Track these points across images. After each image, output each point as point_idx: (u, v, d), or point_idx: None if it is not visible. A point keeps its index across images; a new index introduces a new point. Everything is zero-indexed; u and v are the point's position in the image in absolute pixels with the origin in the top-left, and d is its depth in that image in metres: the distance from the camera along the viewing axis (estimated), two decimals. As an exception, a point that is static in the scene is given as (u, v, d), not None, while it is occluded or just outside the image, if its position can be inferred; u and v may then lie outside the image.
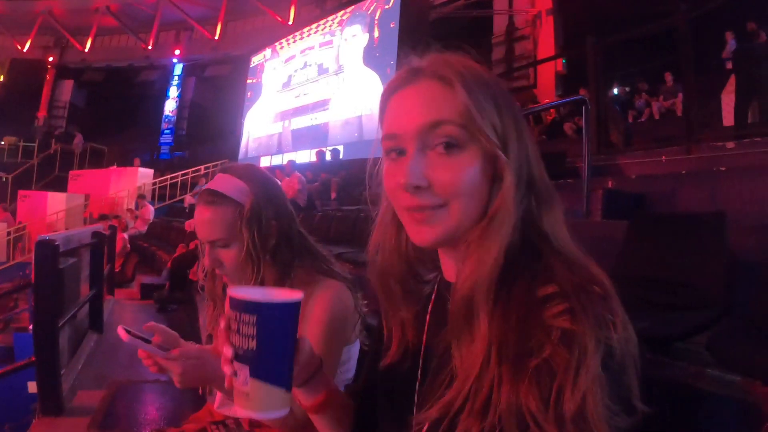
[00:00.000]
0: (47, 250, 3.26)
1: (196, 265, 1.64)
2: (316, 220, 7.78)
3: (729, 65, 8.68)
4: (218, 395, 1.67)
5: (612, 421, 0.66)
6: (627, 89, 11.43)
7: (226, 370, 0.80)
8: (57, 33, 24.96)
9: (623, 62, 10.76)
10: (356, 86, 13.43)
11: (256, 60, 19.25)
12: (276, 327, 0.79)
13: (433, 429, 0.78)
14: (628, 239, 2.72)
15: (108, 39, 25.45)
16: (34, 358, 3.26)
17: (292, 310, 0.81)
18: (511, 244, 0.77)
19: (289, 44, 17.36)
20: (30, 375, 3.55)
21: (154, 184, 17.71)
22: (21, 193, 17.73)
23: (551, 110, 10.18)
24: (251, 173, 1.56)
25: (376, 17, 13.17)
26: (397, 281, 0.93)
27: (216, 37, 22.84)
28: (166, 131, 25.37)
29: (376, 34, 13.08)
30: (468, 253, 0.79)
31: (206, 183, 1.76)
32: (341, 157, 11.63)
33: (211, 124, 23.20)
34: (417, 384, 0.88)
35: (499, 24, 13.09)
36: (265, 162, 16.14)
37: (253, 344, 0.77)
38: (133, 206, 15.26)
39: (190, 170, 16.94)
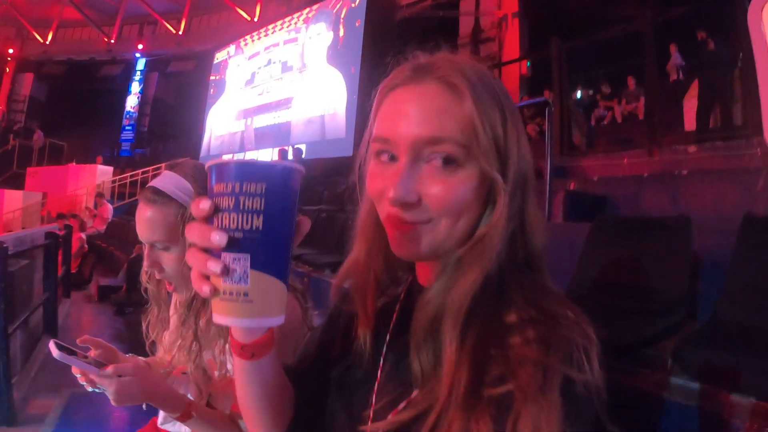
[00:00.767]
0: (-6, 253, 3.15)
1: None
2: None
3: (675, 76, 8.88)
4: (160, 412, 1.54)
5: None
6: (590, 92, 11.53)
7: (214, 266, 0.61)
8: (18, 24, 24.31)
9: (587, 65, 10.86)
10: (319, 85, 13.34)
11: (219, 56, 19.05)
12: (287, 198, 0.63)
13: None
14: (589, 242, 2.68)
15: (70, 32, 24.93)
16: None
17: (299, 179, 0.65)
18: (491, 268, 0.73)
19: (253, 41, 17.20)
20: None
21: (114, 181, 17.31)
22: (-24, 190, 17.10)
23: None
24: (198, 173, 1.46)
25: (342, 15, 13.11)
26: (374, 282, 0.87)
27: (180, 32, 22.55)
28: (127, 127, 24.86)
29: (342, 32, 13.00)
30: (447, 271, 0.75)
31: None
32: (303, 156, 11.50)
33: (173, 121, 22.89)
34: (376, 384, 0.81)
35: (465, 26, 13.10)
36: (226, 160, 15.86)
37: (259, 222, 0.60)
38: (91, 205, 14.87)
39: (150, 168, 16.53)
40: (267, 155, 14.28)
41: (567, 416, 0.62)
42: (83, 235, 10.09)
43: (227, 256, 0.61)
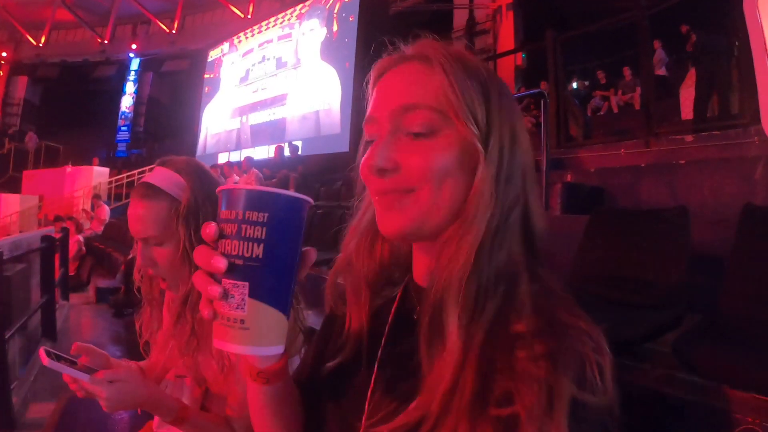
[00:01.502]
0: (-10, 258, 3.14)
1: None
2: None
3: (660, 72, 8.88)
4: (155, 417, 1.52)
5: None
6: (586, 83, 11.52)
7: (213, 291, 0.62)
8: (11, 27, 24.23)
9: (583, 57, 10.84)
10: (313, 81, 13.36)
11: (213, 54, 19.06)
12: (291, 228, 0.63)
13: None
14: (587, 235, 2.66)
15: (63, 33, 24.88)
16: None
17: (305, 210, 0.65)
18: (489, 252, 0.71)
19: (247, 38, 17.21)
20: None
21: (110, 183, 17.26)
22: (-27, 195, 17.05)
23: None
24: (190, 167, 1.46)
25: (335, 11, 13.10)
26: (367, 284, 0.86)
27: (174, 31, 22.50)
28: (123, 128, 24.81)
29: (335, 27, 13.00)
30: (441, 253, 0.73)
31: None
32: (300, 152, 11.48)
33: (168, 121, 22.88)
34: (369, 391, 0.79)
35: (460, 18, 13.08)
36: (223, 158, 15.90)
37: (259, 251, 0.60)
38: (88, 207, 14.83)
39: (147, 168, 16.47)
40: (263, 152, 14.26)
41: None
42: (80, 238, 10.06)
43: (227, 282, 0.61)
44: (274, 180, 10.05)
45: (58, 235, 6.71)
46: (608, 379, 0.62)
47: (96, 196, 14.73)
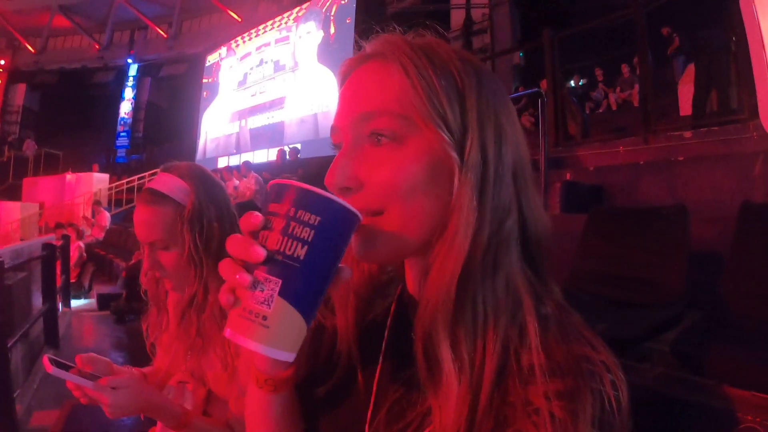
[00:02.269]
0: (-9, 267, 3.14)
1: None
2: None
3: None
4: (159, 423, 1.53)
5: None
6: (584, 81, 11.52)
7: (243, 279, 0.56)
8: (9, 35, 24.28)
9: (580, 54, 10.82)
10: (311, 84, 13.36)
11: (211, 59, 19.06)
12: (338, 240, 0.59)
13: None
14: (586, 234, 2.65)
15: (61, 40, 24.94)
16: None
17: (355, 226, 0.61)
18: (482, 274, 0.63)
19: (244, 41, 17.20)
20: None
21: (110, 189, 17.22)
22: (-26, 203, 17.04)
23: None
24: (193, 172, 1.48)
25: (332, 13, 13.11)
26: (356, 295, 0.78)
27: (171, 36, 22.51)
28: (122, 134, 24.83)
29: (332, 30, 13.01)
30: (428, 274, 0.65)
31: None
32: (299, 156, 11.49)
33: (167, 126, 22.89)
34: (369, 413, 0.72)
35: (457, 18, 13.08)
36: (222, 162, 15.91)
37: (302, 252, 0.57)
38: (88, 213, 14.82)
39: (147, 173, 16.46)
40: (263, 156, 14.26)
41: None
42: (81, 244, 10.05)
43: (259, 275, 0.57)
44: (274, 184, 10.05)
45: (59, 242, 6.70)
46: (625, 413, 0.58)
47: (96, 203, 14.73)
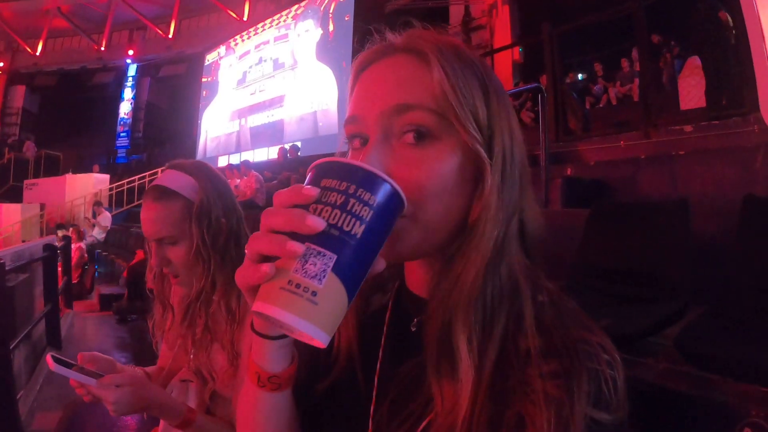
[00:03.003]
0: (-8, 269, 3.15)
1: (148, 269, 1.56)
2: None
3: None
4: (161, 422, 1.53)
5: None
6: (585, 76, 11.51)
7: (295, 248, 0.52)
8: (7, 37, 24.30)
9: (580, 49, 10.81)
10: (310, 82, 13.36)
11: (210, 58, 19.08)
12: (387, 223, 0.58)
13: None
14: (588, 229, 2.64)
15: (60, 41, 24.93)
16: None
17: (399, 215, 0.60)
18: (493, 267, 0.64)
19: (243, 40, 17.20)
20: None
21: (111, 189, 17.25)
22: (-26, 206, 17.07)
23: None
24: (200, 169, 1.51)
25: (331, 10, 13.11)
26: (360, 294, 0.75)
27: (170, 36, 22.50)
28: (122, 134, 24.84)
29: (331, 27, 13.00)
30: (445, 270, 0.65)
31: None
32: (300, 153, 11.49)
33: (167, 125, 22.93)
34: (372, 408, 0.72)
35: (456, 14, 13.07)
36: (223, 161, 15.89)
37: (359, 230, 0.54)
38: (89, 214, 14.84)
39: (147, 173, 16.52)
40: (263, 154, 14.27)
41: None
42: (83, 245, 10.05)
43: (311, 247, 0.54)
44: (275, 182, 10.05)
45: (60, 244, 6.71)
46: (622, 393, 0.59)
47: (97, 203, 14.74)
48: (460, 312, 0.62)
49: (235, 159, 15.12)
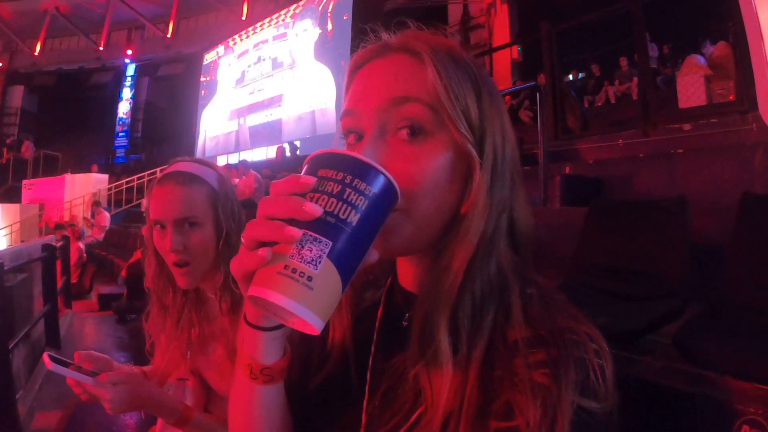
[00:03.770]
0: (-10, 269, 3.13)
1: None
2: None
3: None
4: (159, 421, 1.53)
5: None
6: (583, 74, 11.52)
7: (292, 233, 0.53)
8: (6, 37, 24.27)
9: (578, 48, 10.82)
10: (308, 81, 13.38)
11: (209, 57, 19.08)
12: (381, 214, 0.59)
13: None
14: (586, 227, 2.64)
15: (58, 41, 24.89)
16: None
17: (392, 207, 0.61)
18: (480, 262, 0.65)
19: (242, 39, 17.19)
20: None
21: (110, 189, 17.23)
22: (-27, 206, 17.07)
23: (507, 98, 10.18)
24: (208, 162, 1.52)
25: (329, 10, 13.11)
26: (353, 288, 0.79)
27: (168, 36, 22.48)
28: (120, 134, 24.82)
29: (330, 26, 13.00)
30: (431, 265, 0.67)
31: None
32: (298, 153, 11.49)
33: (166, 125, 22.89)
34: (365, 402, 0.73)
35: (454, 13, 13.09)
36: (222, 161, 15.90)
37: (354, 218, 0.55)
38: (88, 214, 14.82)
39: (146, 173, 16.50)
40: (262, 154, 14.27)
41: None
42: (81, 245, 10.03)
43: (308, 234, 0.55)
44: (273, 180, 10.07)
45: (59, 243, 6.69)
46: (610, 382, 0.59)
47: (96, 203, 14.74)
48: (442, 304, 0.64)
49: (234, 158, 15.14)
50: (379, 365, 0.74)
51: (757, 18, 3.61)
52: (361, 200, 0.56)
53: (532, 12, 11.08)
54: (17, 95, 25.35)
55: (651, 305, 2.02)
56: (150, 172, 16.30)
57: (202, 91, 19.02)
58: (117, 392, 1.21)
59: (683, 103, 6.63)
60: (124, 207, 16.33)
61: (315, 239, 0.54)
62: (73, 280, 8.48)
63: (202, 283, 1.44)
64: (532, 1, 11.84)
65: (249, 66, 16.39)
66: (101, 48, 23.88)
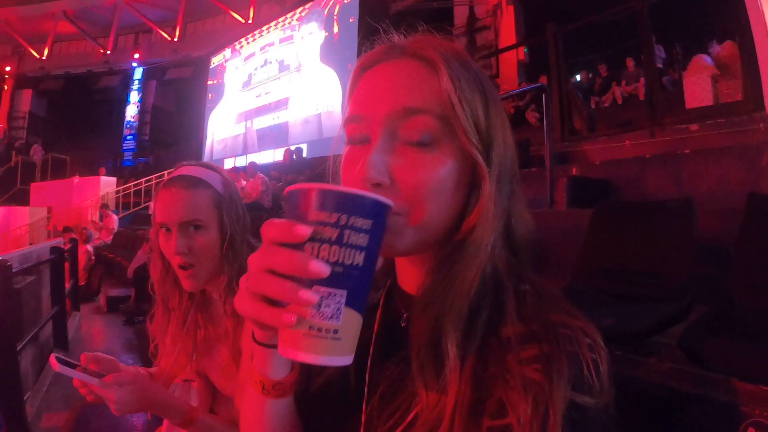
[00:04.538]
0: (-1, 271, 3.14)
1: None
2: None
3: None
4: (165, 422, 1.53)
5: None
6: (590, 75, 11.48)
7: (309, 297, 0.52)
8: (14, 42, 24.44)
9: (585, 49, 10.78)
10: (314, 84, 13.39)
11: (216, 60, 19.11)
12: (383, 228, 0.58)
13: None
14: (592, 228, 2.63)
15: (66, 45, 25.07)
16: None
17: (389, 211, 0.59)
18: (487, 266, 0.67)
19: (248, 42, 17.22)
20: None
21: (118, 192, 17.33)
22: (-18, 209, 17.18)
23: (513, 99, 10.16)
24: (212, 166, 1.53)
25: (335, 13, 13.12)
26: None
27: (175, 39, 22.58)
28: (128, 137, 24.94)
29: (336, 29, 13.01)
30: (439, 271, 0.67)
31: None
32: (305, 155, 11.51)
33: (174, 128, 23.00)
34: (364, 402, 0.74)
35: (460, 15, 13.06)
36: (229, 164, 15.93)
37: (360, 258, 0.54)
38: (96, 217, 14.89)
39: (154, 176, 16.55)
40: (269, 156, 14.30)
41: None
42: (90, 248, 10.08)
43: (321, 290, 0.54)
44: (280, 184, 10.08)
45: (67, 246, 6.73)
46: (605, 377, 0.59)
47: (104, 206, 14.82)
48: (453, 314, 0.64)
49: (241, 161, 15.16)
50: (377, 366, 0.75)
51: (764, 17, 3.60)
52: (362, 238, 0.55)
53: (538, 13, 11.05)
54: (26, 99, 25.55)
55: (657, 306, 2.01)
56: (158, 174, 16.35)
57: (210, 95, 19.06)
58: (123, 393, 1.22)
59: (690, 103, 6.61)
60: (132, 210, 16.38)
61: (330, 294, 0.54)
62: (81, 283, 8.53)
63: (207, 285, 1.45)
64: (538, 2, 11.81)
65: (256, 69, 16.42)
66: (109, 52, 24.03)
